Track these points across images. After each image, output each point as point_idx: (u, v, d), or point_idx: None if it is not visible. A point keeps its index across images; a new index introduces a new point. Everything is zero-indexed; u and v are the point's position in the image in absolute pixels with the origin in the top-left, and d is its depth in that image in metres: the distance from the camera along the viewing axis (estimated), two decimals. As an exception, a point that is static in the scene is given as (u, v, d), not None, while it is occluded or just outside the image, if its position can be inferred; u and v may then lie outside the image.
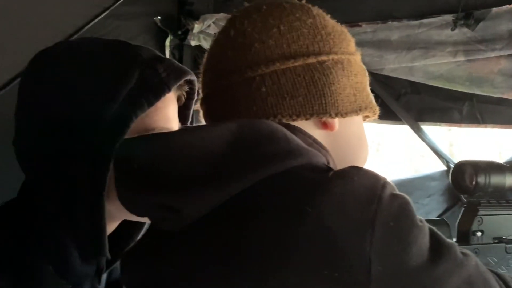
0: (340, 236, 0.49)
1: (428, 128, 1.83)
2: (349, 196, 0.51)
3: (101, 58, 0.74)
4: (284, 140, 0.57)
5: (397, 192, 0.53)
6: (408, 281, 0.50)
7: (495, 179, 0.83)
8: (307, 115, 0.62)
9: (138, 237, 0.86)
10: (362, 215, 0.50)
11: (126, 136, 0.70)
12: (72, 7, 1.59)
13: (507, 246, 0.86)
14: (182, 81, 0.77)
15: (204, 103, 0.69)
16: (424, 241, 0.51)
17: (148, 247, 0.63)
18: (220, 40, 0.68)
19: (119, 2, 1.71)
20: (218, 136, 0.56)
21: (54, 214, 0.73)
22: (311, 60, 0.63)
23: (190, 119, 0.87)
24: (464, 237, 0.83)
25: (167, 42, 1.99)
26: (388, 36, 1.64)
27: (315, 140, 0.62)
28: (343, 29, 0.68)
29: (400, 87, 1.75)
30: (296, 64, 0.62)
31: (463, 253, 0.54)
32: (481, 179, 0.82)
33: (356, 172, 0.53)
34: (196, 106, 0.87)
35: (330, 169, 0.57)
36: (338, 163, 0.63)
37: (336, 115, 0.63)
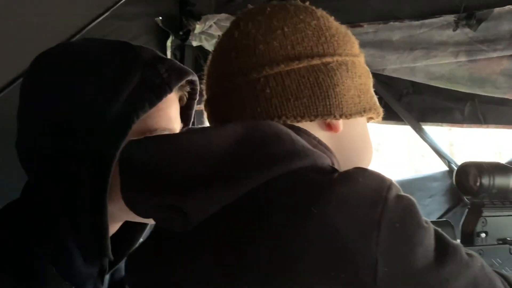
0: (346, 237, 0.49)
1: (429, 128, 1.83)
2: (355, 198, 0.51)
3: (102, 59, 0.75)
4: (289, 141, 0.57)
5: (402, 193, 0.53)
6: (414, 282, 0.51)
7: (499, 180, 0.83)
8: (311, 117, 0.62)
9: (141, 238, 0.86)
10: (368, 217, 0.50)
11: (128, 137, 0.70)
12: (74, 7, 1.58)
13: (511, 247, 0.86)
14: (183, 82, 0.77)
15: (208, 104, 0.69)
16: (430, 242, 0.52)
17: (153, 249, 0.63)
18: (224, 41, 0.68)
19: (121, 2, 1.71)
20: (223, 138, 0.56)
21: (56, 215, 0.73)
22: (316, 61, 0.63)
23: (192, 119, 0.87)
24: (468, 238, 0.83)
25: (169, 43, 1.99)
26: (390, 36, 1.64)
27: (319, 142, 0.62)
28: (347, 31, 0.68)
29: (402, 88, 1.74)
30: (301, 65, 0.62)
31: (469, 254, 0.54)
32: (485, 180, 0.82)
33: (361, 174, 0.53)
34: (197, 106, 0.87)
35: (335, 170, 0.57)
36: (343, 164, 0.63)
37: (341, 116, 0.63)
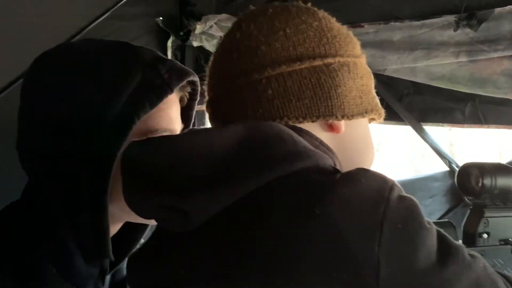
0: (349, 238, 0.49)
1: (429, 128, 1.83)
2: (357, 198, 0.51)
3: (103, 60, 0.74)
4: (291, 142, 0.57)
5: (405, 194, 0.53)
6: (416, 283, 0.51)
7: (502, 181, 0.83)
8: (313, 118, 0.62)
9: (141, 239, 0.86)
10: (370, 217, 0.50)
11: (129, 138, 0.70)
12: (74, 8, 1.58)
13: None
14: (184, 82, 0.77)
15: (210, 105, 0.69)
16: (432, 243, 0.51)
17: (155, 249, 0.63)
18: (226, 42, 0.68)
19: (121, 3, 1.70)
20: (225, 139, 0.56)
21: (57, 215, 0.73)
22: (317, 62, 0.63)
23: (192, 120, 0.87)
24: (470, 239, 0.83)
25: (169, 43, 1.99)
26: (390, 36, 1.64)
27: (321, 142, 0.62)
28: (348, 32, 0.68)
29: (402, 88, 1.74)
30: (302, 66, 0.62)
31: (471, 255, 0.54)
32: (487, 181, 0.82)
33: (363, 174, 0.53)
34: (198, 107, 0.87)
35: (337, 171, 0.57)
36: (344, 165, 0.63)
37: (342, 117, 0.63)
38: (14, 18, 1.39)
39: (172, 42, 1.99)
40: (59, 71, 0.75)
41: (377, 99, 0.69)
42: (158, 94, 0.73)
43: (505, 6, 1.43)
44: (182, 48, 2.02)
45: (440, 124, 1.74)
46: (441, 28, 1.54)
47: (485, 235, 0.84)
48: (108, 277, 0.82)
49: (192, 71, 0.79)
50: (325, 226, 0.50)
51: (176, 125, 0.79)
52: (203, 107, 0.72)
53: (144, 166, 0.58)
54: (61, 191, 0.72)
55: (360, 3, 1.70)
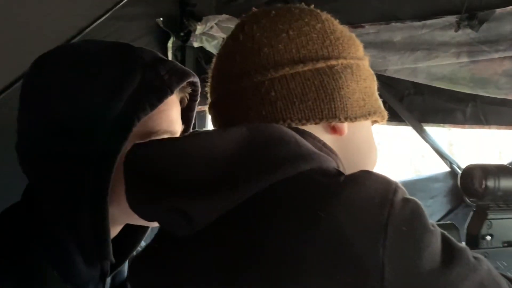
0: (353, 241, 0.49)
1: (428, 128, 1.83)
2: (361, 201, 0.51)
3: (103, 61, 0.74)
4: (294, 144, 0.57)
5: (408, 196, 0.53)
6: (421, 286, 0.50)
7: (505, 183, 0.83)
8: (316, 120, 0.62)
9: (142, 241, 0.86)
10: (375, 220, 0.50)
11: (129, 139, 0.70)
12: (74, 8, 1.58)
13: None
14: (184, 83, 0.77)
15: (213, 107, 0.69)
16: (437, 245, 0.51)
17: (157, 252, 0.63)
18: (229, 44, 0.68)
19: (121, 3, 1.70)
20: (229, 141, 0.56)
21: (57, 217, 0.73)
22: (321, 64, 0.63)
23: (193, 121, 0.87)
24: (474, 241, 0.83)
25: (170, 44, 1.99)
26: (391, 37, 1.64)
27: (324, 145, 0.62)
28: (351, 34, 0.68)
29: (403, 88, 1.74)
30: (306, 68, 0.62)
31: (475, 257, 0.54)
32: (490, 183, 0.82)
33: (367, 177, 0.53)
34: (199, 107, 0.87)
35: (340, 173, 0.57)
36: (348, 168, 0.63)
37: (346, 119, 0.63)
38: (14, 18, 1.39)
39: (173, 43, 1.99)
40: (59, 73, 0.74)
41: (380, 101, 0.69)
42: (158, 96, 0.73)
43: (506, 6, 1.43)
44: (182, 49, 2.02)
45: (441, 124, 1.74)
46: (442, 29, 1.54)
47: (488, 237, 0.84)
48: (108, 279, 0.82)
49: (192, 72, 0.79)
50: (329, 228, 0.50)
51: (176, 127, 0.79)
52: (204, 107, 0.72)
53: (147, 168, 0.57)
54: (61, 193, 0.72)
55: (361, 3, 1.70)
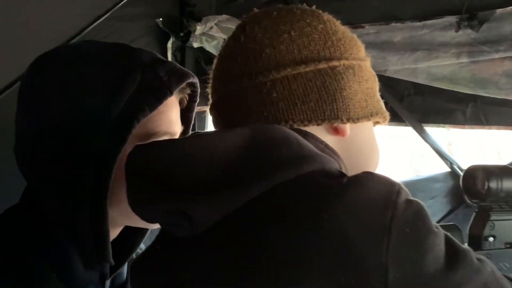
0: (356, 243, 0.49)
1: (428, 128, 1.83)
2: (365, 203, 0.51)
3: (102, 62, 0.74)
4: (296, 145, 0.56)
5: (412, 197, 0.53)
6: None
7: (508, 184, 0.83)
8: (318, 121, 0.62)
9: (141, 244, 0.86)
10: (378, 222, 0.50)
11: (129, 141, 0.70)
12: (73, 8, 1.58)
13: None
14: (184, 84, 0.77)
15: (214, 108, 0.69)
16: (440, 247, 0.51)
17: (158, 253, 0.62)
18: (230, 45, 0.67)
19: (121, 3, 1.70)
20: (231, 142, 0.56)
21: (56, 220, 0.73)
22: (322, 65, 0.63)
23: (192, 122, 0.86)
24: (476, 243, 0.83)
25: (169, 44, 1.99)
26: (391, 37, 1.63)
27: (326, 146, 0.62)
28: (353, 35, 0.68)
29: (403, 89, 1.74)
30: (307, 69, 0.62)
31: (479, 259, 0.53)
32: (493, 184, 0.82)
33: (370, 178, 0.53)
34: (198, 108, 0.86)
35: (343, 174, 0.57)
36: (350, 169, 0.62)
37: (348, 120, 0.63)
38: (14, 18, 1.39)
39: (172, 43, 1.99)
40: (57, 73, 0.74)
41: (382, 102, 0.69)
42: (158, 97, 0.72)
43: (507, 7, 1.43)
44: (182, 49, 2.02)
45: (441, 125, 1.74)
46: (442, 29, 1.54)
47: (491, 239, 0.83)
48: (108, 282, 0.81)
49: (191, 72, 0.79)
50: (332, 230, 0.50)
51: (176, 128, 0.79)
52: (204, 108, 0.72)
53: (148, 169, 0.57)
54: (60, 195, 0.71)
55: (361, 3, 1.70)
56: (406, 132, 1.97)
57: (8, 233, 0.75)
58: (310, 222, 0.50)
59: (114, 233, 0.79)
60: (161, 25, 1.95)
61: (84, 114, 0.70)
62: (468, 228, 0.85)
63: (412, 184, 1.94)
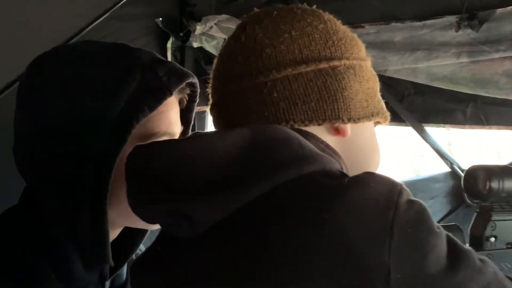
0: (358, 243, 0.49)
1: (428, 128, 1.83)
2: (366, 203, 0.51)
3: (101, 62, 0.74)
4: (297, 145, 0.56)
5: (413, 198, 0.53)
6: None
7: (509, 184, 0.82)
8: (319, 121, 0.62)
9: (141, 244, 0.86)
10: (380, 222, 0.49)
11: (128, 141, 0.69)
12: (73, 8, 1.57)
13: None
14: (183, 84, 0.76)
15: (214, 108, 0.68)
16: (442, 248, 0.51)
17: (158, 254, 0.62)
18: (230, 45, 0.67)
19: (121, 3, 1.70)
20: (231, 142, 0.56)
21: (55, 220, 0.73)
22: (323, 65, 0.62)
23: (192, 122, 0.86)
24: (478, 243, 0.83)
25: (169, 44, 1.98)
26: (391, 37, 1.63)
27: (327, 146, 0.61)
28: (353, 35, 0.68)
29: (403, 89, 1.74)
30: (308, 69, 0.62)
31: (481, 260, 0.53)
32: (494, 184, 0.81)
33: (372, 178, 0.53)
34: (198, 108, 0.86)
35: (344, 175, 0.57)
36: (351, 169, 0.62)
37: (349, 120, 0.63)
38: (14, 18, 1.38)
39: (172, 43, 1.99)
40: (57, 73, 0.74)
41: (382, 102, 0.69)
42: (157, 97, 0.72)
43: (507, 6, 1.43)
44: (182, 49, 2.02)
45: (441, 125, 1.73)
46: (442, 29, 1.54)
47: (492, 239, 0.83)
48: (107, 283, 0.81)
49: (191, 73, 0.78)
50: (333, 231, 0.49)
51: (175, 128, 0.79)
52: (203, 108, 0.71)
53: (148, 169, 0.57)
54: (60, 195, 0.71)
55: (361, 3, 1.69)
56: (406, 132, 1.97)
57: (8, 233, 0.75)
58: (311, 222, 0.50)
59: (114, 233, 0.79)
60: (160, 25, 1.95)
61: (83, 114, 0.70)
62: (469, 229, 0.85)
63: (412, 184, 1.94)
